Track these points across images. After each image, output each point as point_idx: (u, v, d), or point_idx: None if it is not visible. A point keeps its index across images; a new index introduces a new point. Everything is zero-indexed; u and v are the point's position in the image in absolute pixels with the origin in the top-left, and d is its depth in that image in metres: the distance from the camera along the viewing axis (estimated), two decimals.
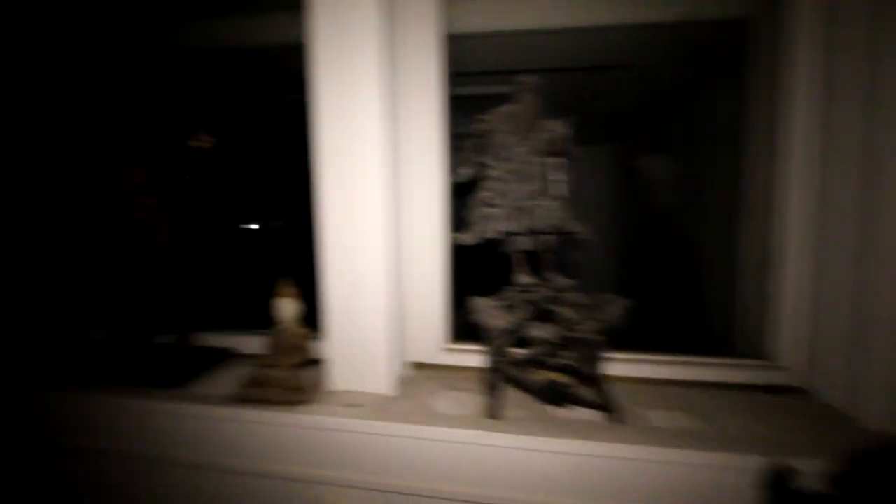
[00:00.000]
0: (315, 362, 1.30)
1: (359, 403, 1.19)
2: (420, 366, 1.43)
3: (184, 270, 1.40)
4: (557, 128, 1.07)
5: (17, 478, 1.33)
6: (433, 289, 1.41)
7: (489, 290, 1.17)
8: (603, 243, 3.27)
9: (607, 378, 1.14)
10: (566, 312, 1.09)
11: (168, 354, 1.36)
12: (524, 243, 1.13)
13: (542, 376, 1.10)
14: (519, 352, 1.12)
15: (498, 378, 1.14)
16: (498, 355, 1.12)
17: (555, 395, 1.10)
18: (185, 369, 1.32)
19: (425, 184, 1.37)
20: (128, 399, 1.22)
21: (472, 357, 1.42)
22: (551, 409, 1.16)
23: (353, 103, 1.16)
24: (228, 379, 1.33)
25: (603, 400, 1.11)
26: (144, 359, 1.39)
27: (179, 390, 1.27)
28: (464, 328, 1.47)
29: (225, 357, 1.47)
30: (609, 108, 2.75)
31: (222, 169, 1.24)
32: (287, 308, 1.24)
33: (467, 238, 1.11)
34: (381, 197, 1.18)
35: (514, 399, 1.21)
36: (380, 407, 1.17)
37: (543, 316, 1.11)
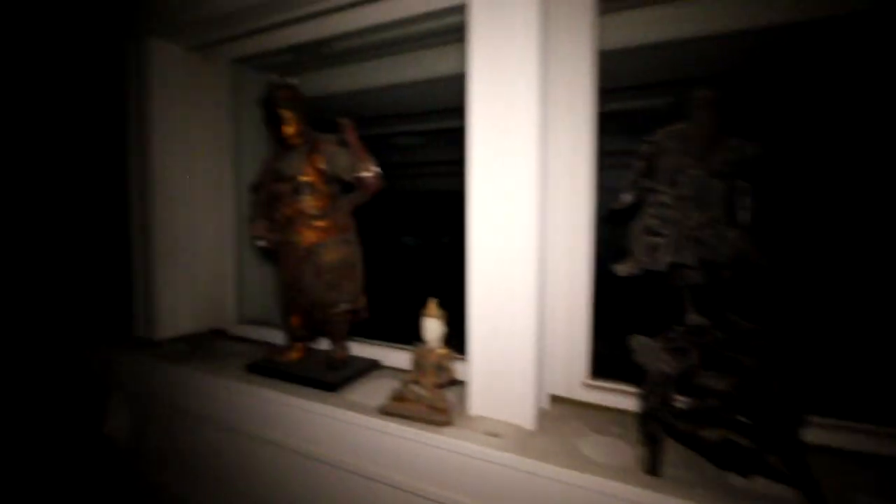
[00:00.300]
0: (458, 383, 1.30)
1: (497, 433, 1.15)
2: (557, 399, 1.35)
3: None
4: (745, 147, 0.92)
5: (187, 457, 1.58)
6: (577, 319, 1.32)
7: (647, 328, 1.04)
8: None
9: (803, 446, 0.92)
10: (750, 361, 0.92)
11: (328, 361, 1.50)
12: (695, 277, 0.99)
13: (716, 434, 0.94)
14: (684, 400, 0.98)
15: (658, 429, 1.00)
16: (659, 403, 0.98)
17: (733, 459, 0.93)
18: (342, 376, 1.43)
19: (574, 206, 1.30)
20: (292, 397, 1.36)
21: (617, 397, 1.29)
22: (725, 475, 0.98)
23: (507, 126, 1.15)
24: (375, 389, 1.41)
25: (797, 473, 0.90)
26: (310, 363, 1.54)
27: (335, 395, 1.37)
28: (603, 364, 1.35)
29: (374, 367, 1.56)
30: None
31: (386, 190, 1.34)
32: (432, 327, 1.27)
33: (627, 269, 1.01)
34: (532, 220, 1.15)
35: (675, 455, 1.05)
36: (520, 440, 1.12)
37: (718, 363, 0.95)
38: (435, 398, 1.22)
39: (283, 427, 1.39)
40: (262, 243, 1.41)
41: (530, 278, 1.15)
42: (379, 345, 1.68)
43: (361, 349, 1.65)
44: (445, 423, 1.18)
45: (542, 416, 1.25)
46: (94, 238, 2.51)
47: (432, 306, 1.29)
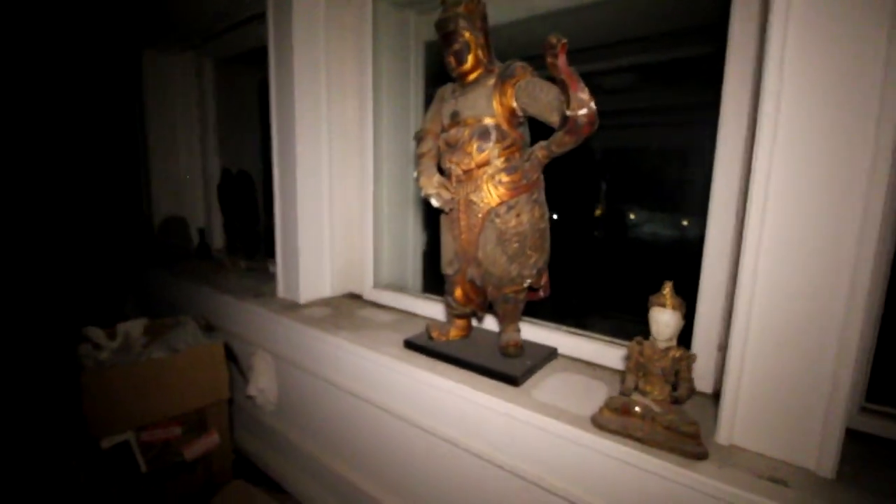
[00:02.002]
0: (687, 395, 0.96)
1: (781, 479, 0.80)
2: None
3: None
4: None
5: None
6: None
7: None
8: None
9: None
10: None
11: (502, 346, 1.22)
12: None
13: None
14: None
15: None
16: None
17: None
18: (523, 366, 1.16)
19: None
20: (463, 387, 1.12)
21: None
22: None
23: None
24: (564, 387, 1.12)
25: None
26: (475, 345, 1.29)
27: (518, 390, 1.10)
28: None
29: (552, 357, 1.27)
30: None
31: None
32: (667, 321, 0.93)
33: None
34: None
35: None
36: (817, 494, 0.76)
37: None
38: (677, 418, 0.89)
39: (446, 418, 1.16)
40: (438, 202, 1.13)
41: (864, 275, 0.75)
42: (546, 326, 1.38)
43: (526, 331, 1.36)
44: (699, 455, 0.85)
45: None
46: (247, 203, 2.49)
47: (668, 293, 0.94)
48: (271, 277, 1.97)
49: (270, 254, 1.98)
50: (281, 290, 1.88)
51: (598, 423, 0.95)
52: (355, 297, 1.89)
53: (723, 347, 1.12)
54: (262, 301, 1.82)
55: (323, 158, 1.81)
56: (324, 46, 1.74)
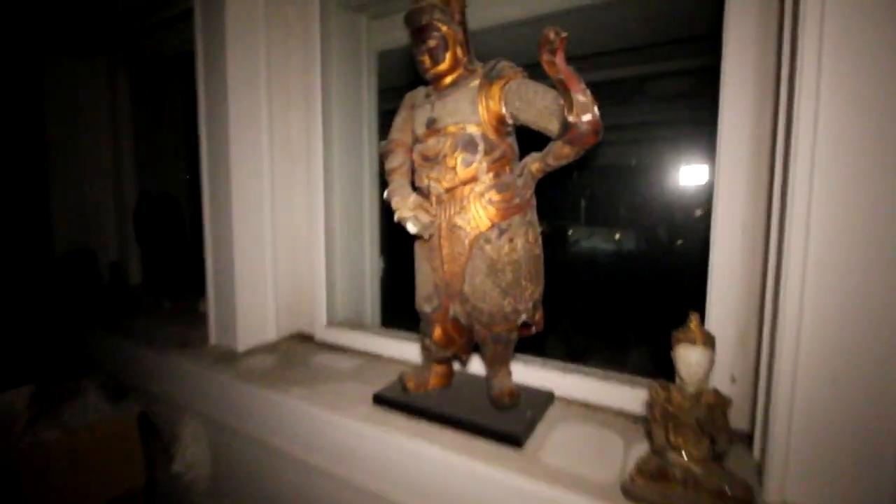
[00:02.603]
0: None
1: None
2: None
3: None
4: None
5: None
6: None
7: None
8: None
9: None
10: None
11: (492, 396, 1.03)
12: None
13: None
14: None
15: None
16: None
17: None
18: (522, 421, 0.96)
19: None
20: (457, 455, 0.90)
21: None
22: None
23: None
24: (574, 443, 0.94)
25: None
26: (459, 395, 1.08)
27: (521, 452, 0.90)
28: None
29: (549, 402, 1.09)
30: None
31: None
32: (697, 360, 0.78)
33: None
34: None
35: None
36: None
37: None
38: (724, 480, 0.74)
39: (434, 496, 0.94)
40: (416, 227, 0.93)
41: None
42: (532, 362, 1.21)
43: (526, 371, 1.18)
44: None
45: None
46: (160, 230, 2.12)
47: (696, 326, 0.80)
48: (202, 320, 1.64)
49: (200, 291, 1.66)
50: (214, 335, 1.57)
51: (632, 495, 0.77)
52: (306, 339, 1.62)
53: (736, 379, 1.01)
54: (190, 352, 1.50)
55: (263, 176, 1.55)
56: (264, 50, 1.51)
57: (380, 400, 1.10)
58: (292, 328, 1.67)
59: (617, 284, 3.05)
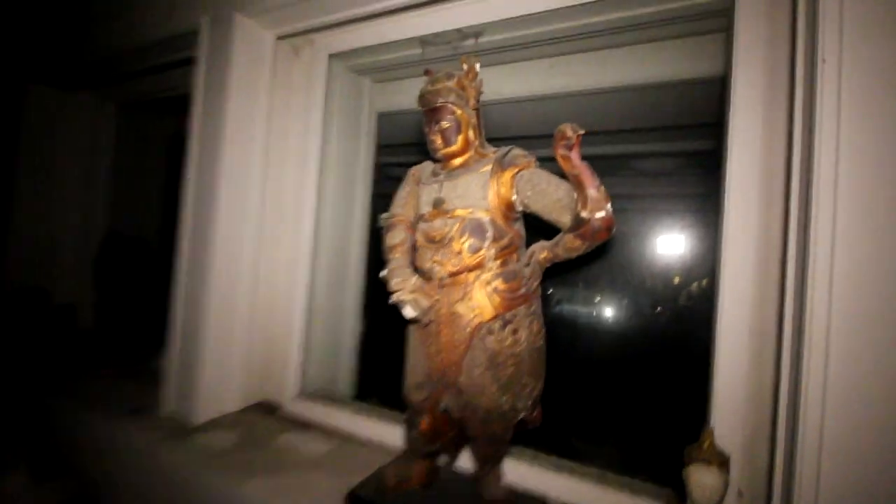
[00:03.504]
0: None
1: None
2: None
3: None
4: None
5: None
6: None
7: None
8: None
9: None
10: None
11: (488, 500, 0.93)
12: None
13: None
14: None
15: None
16: None
17: None
18: None
19: None
20: None
21: None
22: None
23: None
24: None
25: None
26: (445, 495, 0.98)
27: None
28: None
29: None
30: None
31: None
32: (714, 485, 0.73)
33: None
34: None
35: None
36: None
37: None
38: None
39: None
40: (415, 311, 0.87)
41: None
42: (520, 456, 1.13)
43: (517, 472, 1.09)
44: None
45: None
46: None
47: (710, 445, 0.75)
48: (156, 381, 1.48)
49: (157, 345, 1.52)
50: (169, 401, 1.42)
51: None
52: (271, 411, 1.48)
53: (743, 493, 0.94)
54: (139, 423, 1.34)
55: (250, 229, 1.49)
56: (265, 104, 1.50)
57: (355, 499, 0.98)
58: (257, 396, 1.53)
59: (600, 350, 3.02)
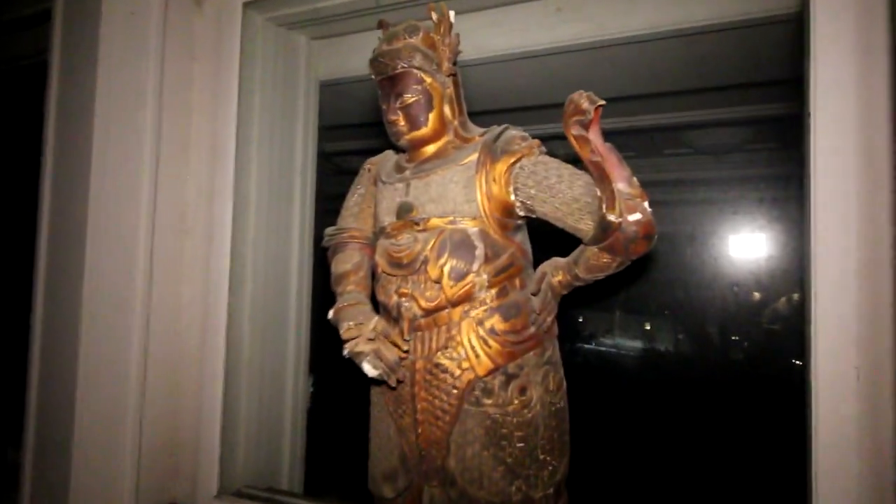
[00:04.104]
0: None
1: None
2: None
3: None
4: None
5: None
6: None
7: None
8: None
9: None
10: None
11: None
12: None
13: None
14: None
15: None
16: None
17: None
18: None
19: None
20: None
21: None
22: None
23: None
24: None
25: None
26: None
27: None
28: None
29: None
30: None
31: None
32: None
33: None
34: None
35: None
36: None
37: None
38: None
39: None
40: (376, 369, 0.88)
41: None
42: None
43: None
44: None
45: None
46: None
47: None
48: (13, 481, 1.48)
49: (14, 431, 1.51)
50: None
51: None
52: None
53: None
54: None
55: (135, 253, 1.48)
56: (155, 73, 1.50)
57: None
58: (162, 499, 1.52)
59: (651, 404, 3.01)
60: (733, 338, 2.98)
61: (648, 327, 3.48)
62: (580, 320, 3.48)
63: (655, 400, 2.74)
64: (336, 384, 1.50)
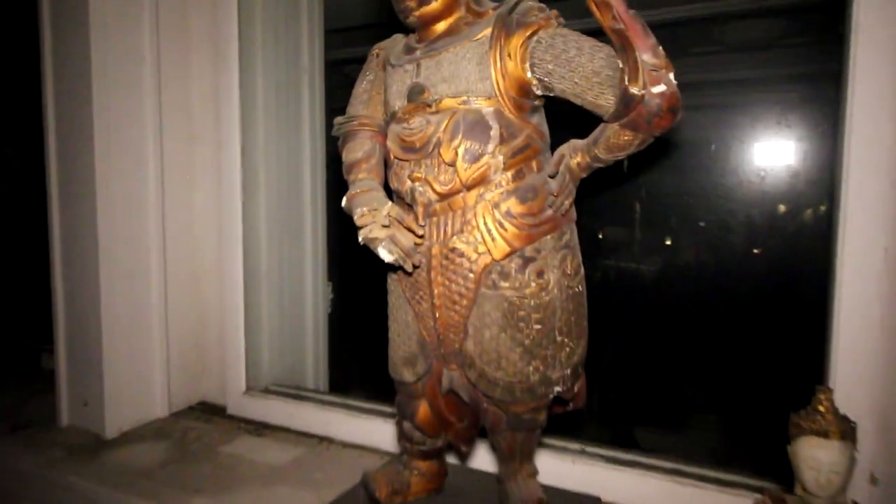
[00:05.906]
0: None
1: None
2: None
3: None
4: None
5: None
6: None
7: None
8: None
9: None
10: None
11: None
12: None
13: None
14: None
15: None
16: None
17: None
18: None
19: None
20: None
21: None
22: None
23: None
24: None
25: None
26: None
27: None
28: None
29: None
30: None
31: None
32: (835, 463, 0.74)
33: None
34: None
35: None
36: None
37: None
38: None
39: None
40: (393, 253, 0.87)
41: None
42: (566, 450, 1.20)
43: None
44: None
45: None
46: None
47: (827, 411, 0.76)
48: (49, 384, 1.55)
49: (47, 338, 1.57)
50: (67, 412, 1.49)
51: None
52: (214, 413, 1.57)
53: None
54: (27, 439, 1.41)
55: (147, 163, 1.50)
56: None
57: None
58: (193, 397, 1.61)
59: (672, 315, 3.03)
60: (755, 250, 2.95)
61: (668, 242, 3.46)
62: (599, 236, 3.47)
63: (672, 296, 2.78)
64: (357, 288, 1.51)
